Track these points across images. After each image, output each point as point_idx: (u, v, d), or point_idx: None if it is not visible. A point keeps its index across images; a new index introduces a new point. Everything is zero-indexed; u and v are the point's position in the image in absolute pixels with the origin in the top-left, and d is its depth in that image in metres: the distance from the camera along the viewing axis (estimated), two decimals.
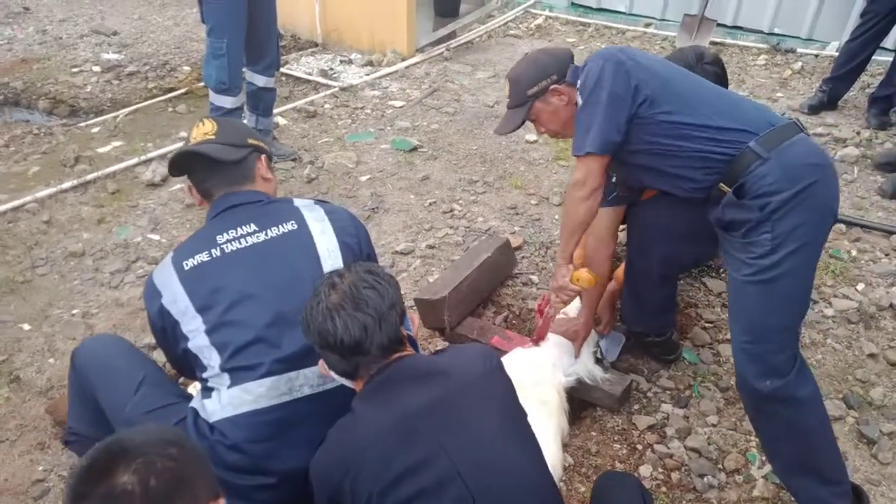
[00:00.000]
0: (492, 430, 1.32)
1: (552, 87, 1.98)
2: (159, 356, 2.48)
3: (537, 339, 2.33)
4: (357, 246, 1.69)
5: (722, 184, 1.79)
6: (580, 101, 1.88)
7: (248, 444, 1.49)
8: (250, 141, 1.77)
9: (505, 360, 2.16)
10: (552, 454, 1.92)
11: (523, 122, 2.07)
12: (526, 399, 1.99)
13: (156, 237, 3.24)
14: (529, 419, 1.83)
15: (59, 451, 2.18)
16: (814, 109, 4.28)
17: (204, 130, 1.73)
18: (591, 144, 1.82)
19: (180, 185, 3.63)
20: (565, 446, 2.13)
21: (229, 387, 1.50)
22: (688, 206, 1.94)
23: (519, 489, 1.30)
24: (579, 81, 1.90)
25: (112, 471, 0.95)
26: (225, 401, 1.50)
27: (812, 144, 1.80)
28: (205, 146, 1.69)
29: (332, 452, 1.33)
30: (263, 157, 1.79)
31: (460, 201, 3.51)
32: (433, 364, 1.40)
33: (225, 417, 1.50)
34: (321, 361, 1.44)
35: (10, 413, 2.31)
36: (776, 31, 5.44)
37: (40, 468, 2.13)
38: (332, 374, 1.43)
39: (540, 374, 2.11)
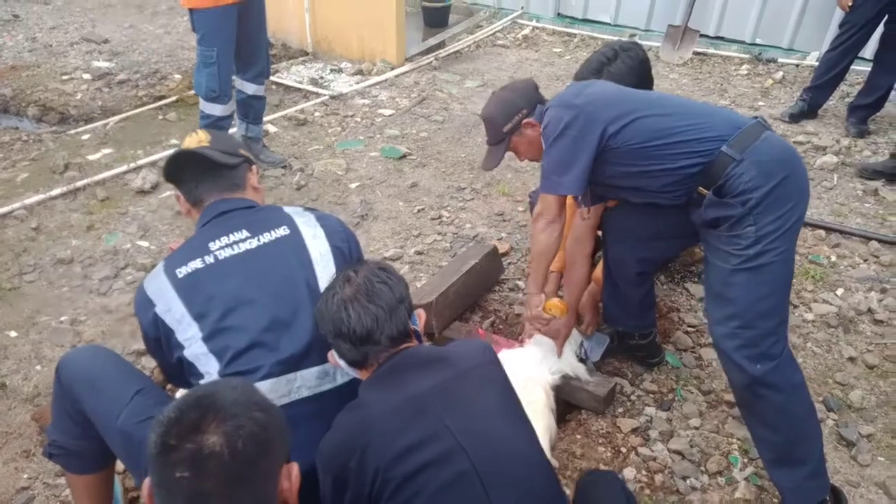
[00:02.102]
0: (492, 413, 1.39)
1: (524, 120, 2.13)
2: (147, 362, 2.50)
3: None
4: (348, 251, 1.71)
5: (700, 188, 1.90)
6: (544, 145, 2.04)
7: None
8: (242, 151, 1.81)
9: None
10: None
11: (504, 156, 2.23)
12: None
13: (145, 244, 3.25)
14: None
15: (44, 458, 2.16)
16: (794, 118, 4.36)
17: (198, 139, 1.75)
18: (555, 187, 2.01)
19: (170, 192, 3.64)
20: (551, 448, 2.16)
21: None
22: (657, 207, 2.04)
23: (520, 466, 1.35)
24: (542, 127, 2.07)
25: (202, 428, 0.97)
26: None
27: (778, 140, 1.91)
28: (202, 149, 1.71)
29: (340, 433, 1.36)
30: (254, 167, 1.83)
31: (448, 208, 3.55)
32: (437, 352, 1.46)
33: None
34: (331, 352, 1.48)
35: None
36: (758, 41, 5.55)
37: (25, 476, 2.12)
38: (342, 363, 1.47)
39: (526, 374, 2.15)
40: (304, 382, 1.55)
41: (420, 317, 1.53)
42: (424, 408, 1.32)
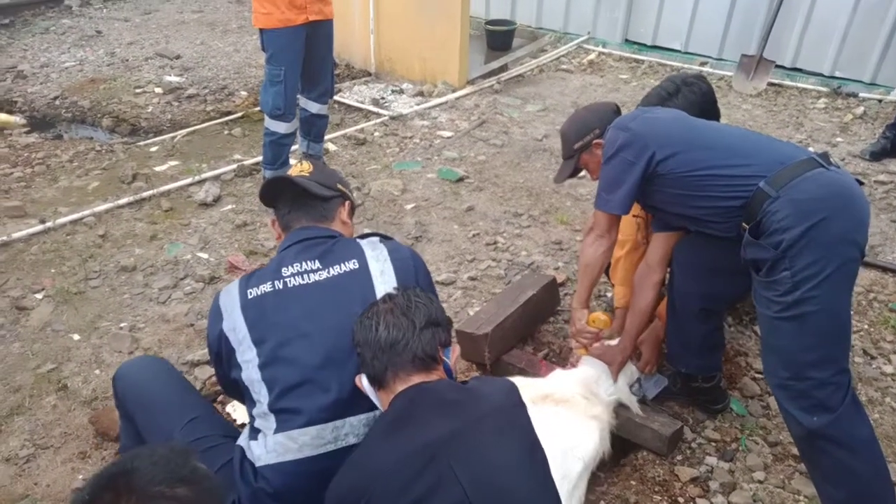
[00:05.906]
0: (509, 465, 1.31)
1: (595, 141, 2.22)
2: (200, 373, 2.54)
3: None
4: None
5: (744, 223, 1.87)
6: (602, 162, 2.10)
7: (291, 493, 1.49)
8: (339, 187, 1.84)
9: (548, 379, 2.21)
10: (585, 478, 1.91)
11: (575, 172, 2.34)
12: (577, 414, 2.00)
13: (205, 256, 3.31)
14: (581, 436, 1.78)
15: (99, 461, 2.22)
16: (875, 156, 4.14)
17: (300, 168, 1.83)
18: (604, 204, 2.07)
19: (231, 206, 3.72)
20: (600, 485, 2.07)
21: (275, 432, 1.50)
22: (726, 241, 1.99)
23: None
24: (603, 146, 2.13)
25: None
26: (270, 446, 1.50)
27: (827, 178, 1.79)
28: (298, 178, 1.77)
29: (348, 478, 1.33)
30: (347, 203, 1.86)
31: (504, 234, 3.50)
32: (455, 392, 1.39)
33: (269, 464, 1.50)
34: (359, 375, 1.47)
35: (55, 420, 2.37)
36: (837, 74, 5.31)
37: (80, 477, 2.16)
38: (365, 383, 1.45)
39: (588, 390, 2.11)
40: (352, 430, 1.53)
41: (454, 351, 1.49)
42: (435, 456, 1.26)
